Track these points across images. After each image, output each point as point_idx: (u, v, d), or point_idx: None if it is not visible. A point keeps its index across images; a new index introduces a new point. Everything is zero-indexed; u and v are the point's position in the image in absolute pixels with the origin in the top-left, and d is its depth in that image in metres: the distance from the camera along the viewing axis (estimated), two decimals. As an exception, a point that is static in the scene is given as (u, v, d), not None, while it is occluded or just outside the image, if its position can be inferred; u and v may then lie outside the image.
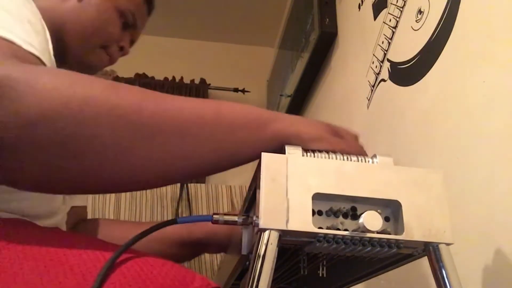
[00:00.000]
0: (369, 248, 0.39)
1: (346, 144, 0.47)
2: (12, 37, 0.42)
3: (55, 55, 0.53)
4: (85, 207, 0.79)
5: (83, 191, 0.46)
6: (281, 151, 0.44)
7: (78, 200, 0.74)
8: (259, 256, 0.36)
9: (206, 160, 0.43)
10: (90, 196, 1.60)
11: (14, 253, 0.38)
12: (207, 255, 1.50)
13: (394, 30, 0.89)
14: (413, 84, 0.78)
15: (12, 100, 0.35)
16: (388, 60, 0.91)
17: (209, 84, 2.31)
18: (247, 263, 0.48)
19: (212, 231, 0.74)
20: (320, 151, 0.45)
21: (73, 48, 0.67)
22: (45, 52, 0.48)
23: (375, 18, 1.01)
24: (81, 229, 0.75)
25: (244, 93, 2.31)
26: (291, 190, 0.38)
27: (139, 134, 0.39)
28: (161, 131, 0.40)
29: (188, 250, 0.77)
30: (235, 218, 0.47)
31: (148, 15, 0.80)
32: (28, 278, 0.36)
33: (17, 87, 0.35)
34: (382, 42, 0.94)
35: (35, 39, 0.47)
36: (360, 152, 0.48)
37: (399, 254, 0.43)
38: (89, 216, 0.82)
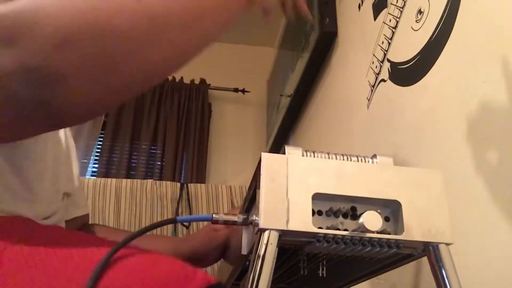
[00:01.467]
0: (369, 248, 0.39)
1: None
2: None
3: None
4: (87, 215, 0.79)
5: (131, 95, 0.47)
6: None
7: (81, 207, 0.74)
8: (259, 256, 0.36)
9: (206, 37, 0.47)
10: (90, 196, 1.60)
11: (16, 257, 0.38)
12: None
13: (394, 30, 0.89)
14: (413, 84, 0.78)
15: (36, 26, 0.35)
16: (388, 60, 0.91)
17: (209, 84, 2.32)
18: (247, 263, 0.48)
19: (193, 249, 0.74)
20: (320, 152, 0.45)
21: None
22: None
23: (375, 18, 1.01)
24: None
25: (244, 93, 2.31)
26: (291, 190, 0.39)
27: (163, 30, 0.41)
28: (180, 25, 0.42)
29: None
30: (235, 218, 0.47)
31: None
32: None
33: (38, 14, 0.35)
34: (382, 42, 0.94)
35: None
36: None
37: (399, 254, 0.43)
38: (89, 216, 0.82)
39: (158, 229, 1.59)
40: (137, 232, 0.43)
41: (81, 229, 0.75)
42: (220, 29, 0.48)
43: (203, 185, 1.77)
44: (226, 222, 0.47)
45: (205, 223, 0.79)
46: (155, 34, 0.40)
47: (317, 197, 0.39)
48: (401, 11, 0.87)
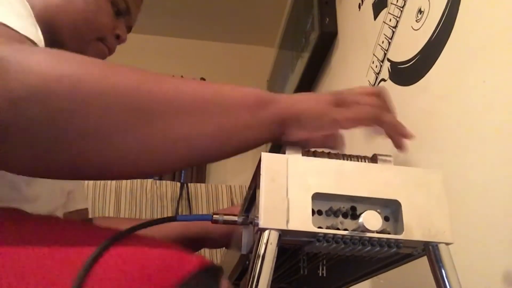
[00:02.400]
0: (368, 248, 0.39)
1: (350, 112, 0.45)
2: (8, 23, 0.42)
3: None
4: (86, 210, 0.79)
5: (77, 176, 0.44)
6: (282, 145, 0.44)
7: (80, 201, 0.75)
8: (259, 256, 0.36)
9: (205, 143, 0.42)
10: (90, 196, 1.60)
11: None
12: (207, 255, 1.50)
13: (394, 30, 0.89)
14: (413, 84, 0.78)
15: (3, 76, 0.34)
16: (388, 60, 0.91)
17: (209, 84, 2.31)
18: (247, 263, 0.48)
19: (206, 229, 0.74)
20: (320, 152, 0.45)
21: (69, 44, 0.66)
22: (39, 44, 0.47)
23: (375, 18, 1.01)
24: None
25: (244, 93, 2.31)
26: (291, 190, 0.39)
27: (136, 116, 0.38)
28: (159, 113, 0.39)
29: (186, 247, 0.77)
30: (235, 218, 0.47)
31: None
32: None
33: (9, 64, 0.34)
34: (382, 42, 0.94)
35: (29, 28, 0.46)
36: (369, 114, 0.46)
37: (398, 254, 0.43)
38: (89, 216, 0.82)
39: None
40: (134, 227, 0.42)
41: None
42: (237, 135, 0.43)
43: (203, 184, 1.77)
44: (226, 222, 0.47)
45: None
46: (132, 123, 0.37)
47: (317, 197, 0.39)
48: (401, 11, 0.87)
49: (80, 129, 0.36)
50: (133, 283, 0.35)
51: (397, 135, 0.50)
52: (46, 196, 0.58)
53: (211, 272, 0.40)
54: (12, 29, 0.42)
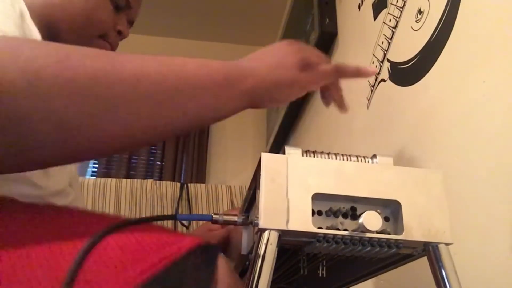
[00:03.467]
0: (368, 248, 0.39)
1: (313, 76, 0.48)
2: None
3: None
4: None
5: (49, 165, 0.44)
6: (281, 152, 0.44)
7: (79, 203, 0.74)
8: (259, 256, 0.36)
9: (170, 126, 0.42)
10: (90, 196, 1.60)
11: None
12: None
13: (394, 30, 0.89)
14: (413, 84, 0.78)
15: None
16: (388, 60, 0.91)
17: (209, 84, 2.31)
18: (247, 263, 0.48)
19: (204, 235, 0.74)
20: (320, 152, 0.45)
21: (69, 43, 0.66)
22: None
23: (375, 18, 1.01)
24: None
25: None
26: (291, 190, 0.39)
27: (98, 103, 0.37)
28: (121, 100, 0.38)
29: None
30: (235, 218, 0.47)
31: None
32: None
33: None
34: (382, 42, 0.94)
35: (11, 29, 0.46)
36: (327, 79, 0.51)
37: (398, 254, 0.43)
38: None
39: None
40: (134, 220, 0.42)
41: None
42: (203, 116, 0.43)
43: (203, 185, 1.77)
44: (226, 222, 0.47)
45: (201, 223, 0.78)
46: (117, 99, 0.37)
47: (317, 197, 0.39)
48: (401, 11, 0.87)
49: (46, 126, 0.36)
50: (130, 260, 0.36)
51: (340, 97, 0.57)
52: (63, 189, 0.59)
53: (209, 249, 0.40)
54: None
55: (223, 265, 0.40)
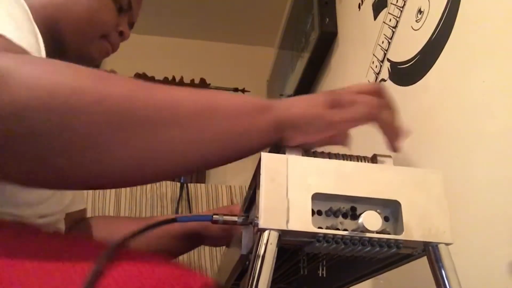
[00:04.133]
0: (368, 248, 0.39)
1: (346, 112, 0.45)
2: (4, 33, 0.41)
3: (54, 55, 0.53)
4: (84, 210, 0.78)
5: (72, 186, 0.44)
6: (281, 147, 0.44)
7: (78, 202, 0.74)
8: (258, 256, 0.36)
9: (203, 152, 0.42)
10: (90, 196, 1.60)
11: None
12: (207, 255, 1.50)
13: (394, 30, 0.89)
14: (413, 84, 0.78)
15: None
16: (388, 60, 0.91)
17: (209, 84, 2.32)
18: (247, 263, 0.48)
19: (207, 223, 0.74)
20: (320, 152, 0.45)
21: (71, 43, 0.65)
22: (36, 52, 0.47)
23: (375, 18, 1.01)
24: (80, 228, 0.75)
25: (244, 93, 2.31)
26: (291, 190, 0.38)
27: (130, 126, 0.37)
28: (154, 122, 0.38)
29: (185, 243, 0.77)
30: (235, 218, 0.47)
31: None
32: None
33: (2, 76, 0.34)
34: (382, 42, 0.94)
35: (27, 37, 0.46)
36: (365, 113, 0.46)
37: (398, 254, 0.43)
38: (87, 211, 0.82)
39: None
40: (133, 233, 0.41)
41: (78, 223, 0.75)
42: (233, 144, 0.43)
43: (203, 185, 1.77)
44: (226, 222, 0.47)
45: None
46: (122, 132, 0.37)
47: (317, 197, 0.39)
48: (401, 11, 0.87)
49: (76, 141, 0.36)
50: None
51: (392, 135, 0.49)
52: (46, 200, 0.58)
53: None
54: (7, 39, 0.41)
55: None
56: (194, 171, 0.44)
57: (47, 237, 0.44)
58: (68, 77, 0.37)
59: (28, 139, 0.35)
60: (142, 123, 0.38)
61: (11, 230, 0.42)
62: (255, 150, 0.44)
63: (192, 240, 0.77)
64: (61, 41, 0.64)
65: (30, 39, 0.47)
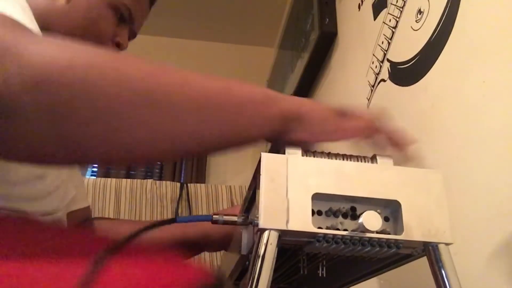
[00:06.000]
0: (368, 248, 0.39)
1: (352, 121, 0.46)
2: (15, 17, 0.42)
3: None
4: (88, 208, 0.78)
5: (80, 161, 0.44)
6: (281, 148, 0.44)
7: (81, 200, 0.74)
8: (258, 256, 0.36)
9: (213, 135, 0.42)
10: (90, 196, 1.60)
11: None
12: (207, 255, 1.50)
13: (394, 30, 0.89)
14: (413, 84, 0.78)
15: (17, 62, 0.34)
16: (388, 60, 0.91)
17: (209, 84, 2.31)
18: (247, 263, 0.48)
19: (205, 232, 0.74)
20: (320, 152, 0.45)
21: None
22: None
23: (375, 18, 1.01)
24: (84, 227, 0.75)
25: (244, 93, 2.31)
26: (291, 190, 0.38)
27: (145, 103, 0.38)
28: (170, 102, 0.39)
29: (186, 251, 0.76)
30: (235, 218, 0.47)
31: (150, 4, 0.77)
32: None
33: (21, 50, 0.35)
34: (382, 42, 0.94)
35: (33, 23, 0.46)
36: (366, 128, 0.47)
37: (398, 254, 0.43)
38: (90, 210, 0.82)
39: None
40: (133, 233, 0.41)
41: (82, 223, 0.75)
42: (242, 131, 0.44)
43: (203, 185, 1.77)
44: (226, 222, 0.47)
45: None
46: (141, 109, 0.38)
47: (317, 197, 0.39)
48: (401, 11, 0.87)
49: (90, 115, 0.36)
50: None
51: (399, 141, 0.50)
52: (50, 194, 0.58)
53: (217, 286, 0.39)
54: (19, 22, 0.42)
55: None
56: (198, 155, 0.45)
57: (48, 231, 0.44)
58: (87, 54, 0.38)
59: (43, 109, 0.35)
60: (154, 105, 0.39)
61: (13, 225, 0.42)
62: (258, 139, 0.45)
63: (193, 247, 0.76)
64: None
65: (35, 26, 0.48)
